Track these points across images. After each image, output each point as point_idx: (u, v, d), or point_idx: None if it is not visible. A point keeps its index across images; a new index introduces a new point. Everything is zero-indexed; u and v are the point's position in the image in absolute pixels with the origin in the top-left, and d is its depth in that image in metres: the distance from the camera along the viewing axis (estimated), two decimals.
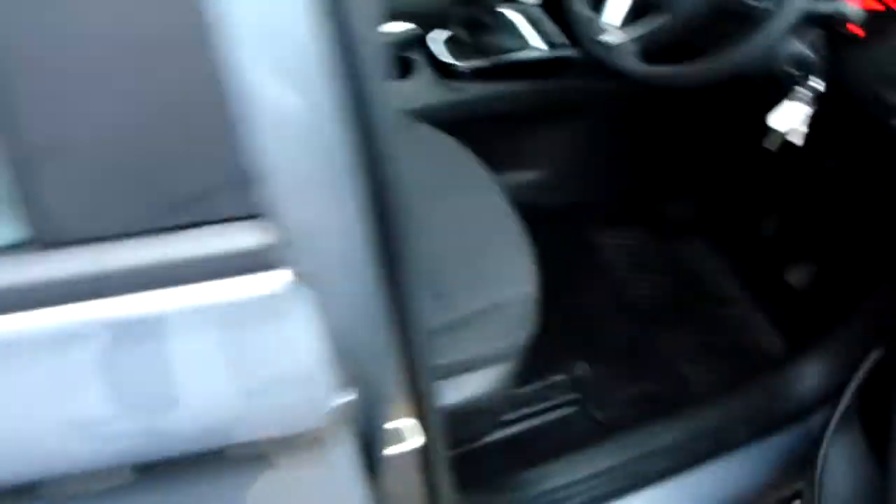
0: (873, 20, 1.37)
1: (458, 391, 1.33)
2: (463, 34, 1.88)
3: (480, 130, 1.88)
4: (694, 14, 1.33)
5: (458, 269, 1.41)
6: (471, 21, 1.88)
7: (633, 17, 1.41)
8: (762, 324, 2.00)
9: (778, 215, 2.07)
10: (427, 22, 1.97)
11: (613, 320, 1.98)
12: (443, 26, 1.94)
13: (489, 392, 1.36)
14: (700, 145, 2.10)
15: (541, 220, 2.06)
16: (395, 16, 1.93)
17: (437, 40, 1.93)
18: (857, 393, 1.55)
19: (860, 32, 1.41)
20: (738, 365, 1.89)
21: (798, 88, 1.34)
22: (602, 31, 1.41)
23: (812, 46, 1.36)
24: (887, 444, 1.41)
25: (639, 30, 1.39)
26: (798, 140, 1.37)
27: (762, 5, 1.25)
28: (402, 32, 1.88)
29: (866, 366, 1.45)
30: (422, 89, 1.89)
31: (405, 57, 1.93)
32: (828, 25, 1.32)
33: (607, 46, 1.39)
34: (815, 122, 1.39)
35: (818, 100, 1.36)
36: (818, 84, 1.34)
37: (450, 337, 1.33)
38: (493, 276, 1.42)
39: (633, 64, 1.37)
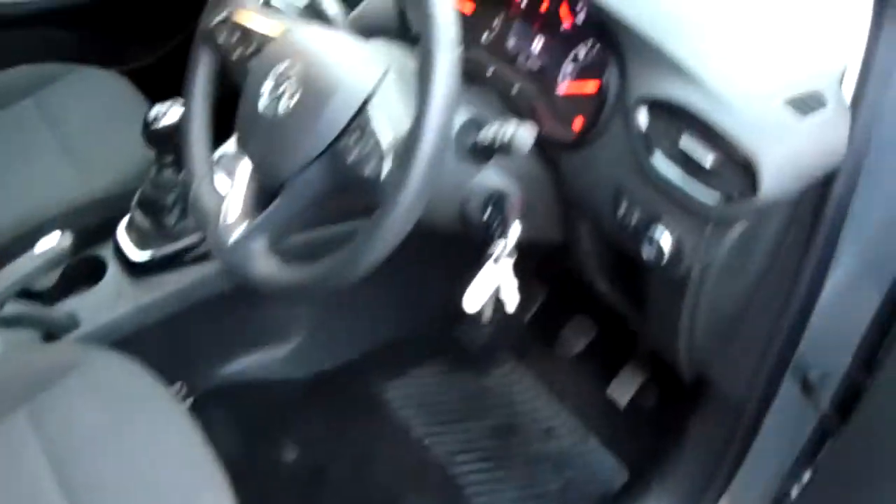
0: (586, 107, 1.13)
1: None
2: (144, 220, 1.52)
3: (203, 320, 1.56)
4: (314, 196, 1.01)
5: None
6: (152, 203, 1.52)
7: (259, 204, 1.07)
8: (596, 452, 1.68)
9: (581, 327, 1.76)
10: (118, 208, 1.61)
11: (416, 494, 1.66)
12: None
13: None
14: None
15: (309, 393, 1.75)
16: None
17: (123, 231, 1.57)
18: None
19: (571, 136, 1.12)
20: None
21: (492, 249, 1.04)
22: (226, 227, 1.07)
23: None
24: None
25: (263, 220, 1.05)
26: (511, 305, 1.05)
27: (376, 174, 0.93)
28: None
29: None
30: (112, 296, 1.53)
31: (95, 257, 1.58)
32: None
33: (228, 247, 1.06)
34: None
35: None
36: (513, 234, 1.03)
37: None
38: None
39: (259, 267, 1.04)
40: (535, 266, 1.79)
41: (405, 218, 0.92)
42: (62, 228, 1.54)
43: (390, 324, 1.83)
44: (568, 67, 1.19)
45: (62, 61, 1.97)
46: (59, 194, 1.67)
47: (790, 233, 1.09)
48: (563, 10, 1.19)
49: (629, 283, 1.26)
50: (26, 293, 1.50)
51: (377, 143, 0.95)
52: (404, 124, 0.93)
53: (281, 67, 1.02)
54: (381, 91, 0.99)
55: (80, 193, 1.68)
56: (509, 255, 1.04)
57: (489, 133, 1.02)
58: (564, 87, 1.19)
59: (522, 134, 0.98)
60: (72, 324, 1.51)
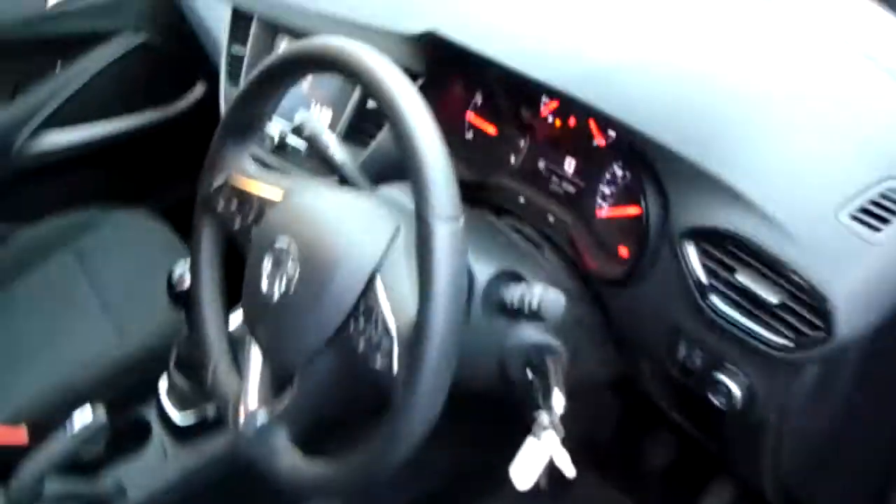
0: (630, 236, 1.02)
1: None
2: (182, 380, 1.44)
3: (257, 477, 1.46)
4: (328, 388, 0.90)
5: None
6: (188, 363, 1.43)
7: (276, 389, 0.97)
8: None
9: (663, 440, 1.62)
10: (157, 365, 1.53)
11: None
12: None
13: None
14: None
15: None
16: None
17: (164, 392, 1.49)
18: None
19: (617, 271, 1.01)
20: None
21: (538, 417, 0.91)
22: (245, 417, 0.96)
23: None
24: None
25: (281, 412, 0.94)
26: (570, 471, 0.93)
27: (388, 367, 0.82)
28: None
29: None
30: (158, 461, 1.45)
31: (139, 420, 1.49)
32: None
33: (249, 439, 0.95)
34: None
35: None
36: (556, 404, 0.90)
37: None
38: None
39: (282, 463, 0.93)
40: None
41: (424, 417, 0.81)
42: (101, 393, 1.47)
43: (463, 451, 1.71)
44: (605, 190, 1.07)
45: (98, 202, 1.92)
46: (98, 357, 1.60)
47: (876, 361, 0.94)
48: (593, 127, 1.07)
49: (702, 417, 1.11)
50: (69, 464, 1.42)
51: (386, 329, 0.84)
52: (414, 304, 0.81)
53: (279, 243, 0.92)
54: (388, 260, 0.88)
55: (118, 354, 1.62)
56: (554, 428, 0.91)
57: (515, 296, 0.89)
58: (603, 212, 1.07)
59: (551, 301, 0.86)
60: (119, 496, 1.43)
